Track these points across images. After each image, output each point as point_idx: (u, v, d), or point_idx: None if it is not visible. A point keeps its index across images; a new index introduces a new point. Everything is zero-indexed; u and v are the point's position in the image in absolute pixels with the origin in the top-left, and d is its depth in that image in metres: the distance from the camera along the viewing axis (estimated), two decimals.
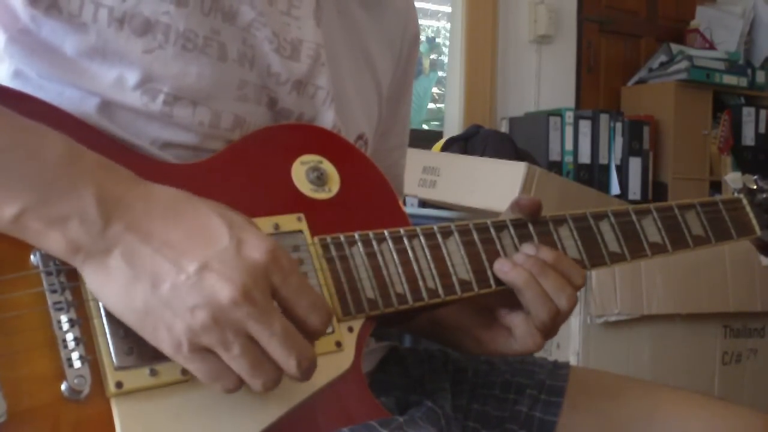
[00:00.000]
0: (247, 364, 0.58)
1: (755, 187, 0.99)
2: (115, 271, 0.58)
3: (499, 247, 0.80)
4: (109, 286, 0.58)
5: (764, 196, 0.99)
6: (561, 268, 0.79)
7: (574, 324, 1.91)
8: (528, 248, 0.80)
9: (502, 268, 0.78)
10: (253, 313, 0.58)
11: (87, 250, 0.58)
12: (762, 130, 3.83)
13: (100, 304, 0.61)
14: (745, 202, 0.98)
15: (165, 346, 0.58)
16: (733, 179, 1.01)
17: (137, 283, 0.58)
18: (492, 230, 0.80)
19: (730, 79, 3.73)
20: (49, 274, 0.60)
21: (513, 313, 0.79)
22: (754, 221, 0.98)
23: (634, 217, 0.87)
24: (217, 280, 0.57)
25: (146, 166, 0.64)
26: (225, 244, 0.59)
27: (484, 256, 0.79)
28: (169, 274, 0.58)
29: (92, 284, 0.59)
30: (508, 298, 0.79)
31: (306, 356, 0.60)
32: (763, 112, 3.82)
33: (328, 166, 0.77)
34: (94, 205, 0.58)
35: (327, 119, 0.80)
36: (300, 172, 0.75)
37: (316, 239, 0.72)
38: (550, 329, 0.79)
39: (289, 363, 0.59)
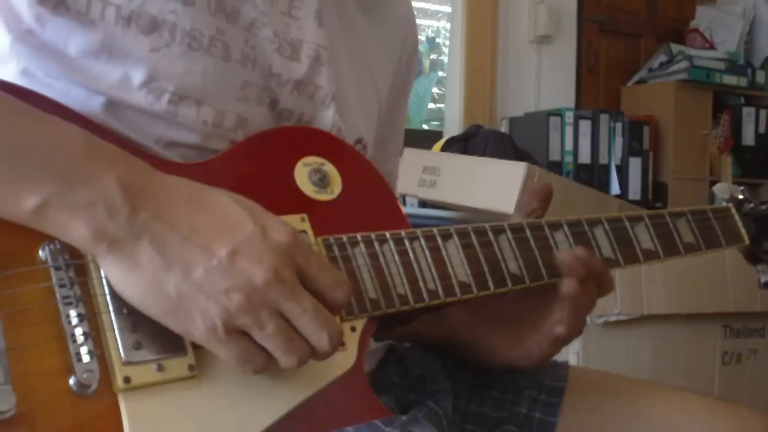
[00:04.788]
0: (281, 341, 0.61)
1: (742, 197, 1.01)
2: (144, 259, 0.59)
3: (496, 250, 0.81)
4: (136, 274, 0.59)
5: (751, 206, 1.01)
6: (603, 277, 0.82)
7: None
8: (581, 251, 0.82)
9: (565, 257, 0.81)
10: (285, 292, 0.60)
11: (112, 238, 0.58)
12: (762, 130, 3.83)
13: (108, 299, 0.61)
14: (733, 211, 1.00)
15: (198, 331, 0.60)
16: (721, 189, 1.03)
17: (169, 270, 0.59)
18: (490, 233, 0.81)
19: (730, 79, 3.74)
20: (57, 268, 0.61)
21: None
22: (742, 230, 0.99)
23: (627, 224, 0.89)
24: (249, 263, 0.60)
25: (152, 165, 0.64)
26: (251, 230, 0.61)
27: (482, 259, 0.79)
28: (201, 260, 0.59)
29: (115, 273, 0.60)
30: (529, 301, 0.83)
31: (335, 330, 0.63)
32: (763, 112, 3.83)
33: (330, 168, 0.77)
34: (118, 191, 0.59)
35: (327, 119, 0.81)
36: (303, 174, 0.76)
37: (319, 240, 0.73)
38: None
39: (321, 338, 0.62)
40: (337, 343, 0.63)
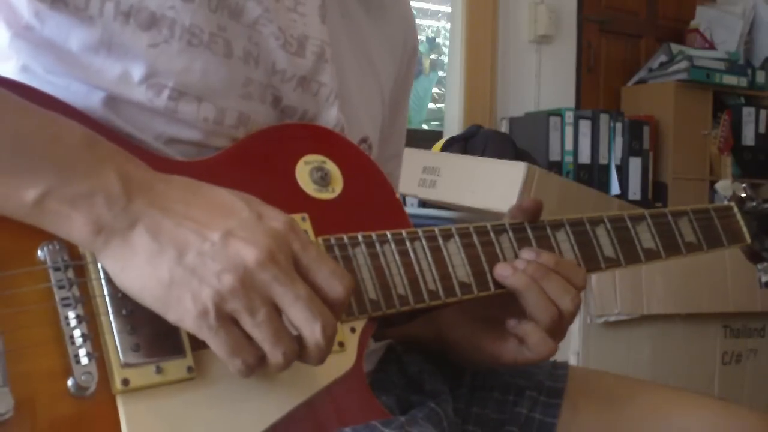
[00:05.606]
0: (270, 331, 0.59)
1: (744, 195, 1.00)
2: (139, 245, 0.59)
3: (498, 250, 0.80)
4: (132, 262, 0.59)
5: (753, 204, 1.00)
6: (562, 271, 0.79)
7: (574, 324, 1.91)
8: (528, 253, 0.81)
9: (503, 273, 0.79)
10: (279, 275, 0.59)
11: (110, 229, 0.58)
12: (762, 130, 3.83)
13: (107, 301, 0.61)
14: (735, 210, 0.99)
15: (189, 316, 0.59)
16: (723, 187, 1.02)
17: (162, 255, 0.59)
18: (491, 233, 0.81)
19: (730, 79, 3.73)
20: (56, 269, 0.61)
21: (523, 321, 0.79)
22: (744, 229, 0.99)
23: (629, 223, 0.88)
24: (243, 245, 0.59)
25: (151, 163, 0.64)
26: (246, 215, 0.61)
27: (483, 259, 0.79)
28: (194, 244, 0.59)
29: (113, 264, 0.60)
30: (514, 305, 0.80)
31: (329, 323, 0.61)
32: (763, 112, 3.82)
33: (331, 167, 0.77)
34: (117, 183, 0.59)
35: (330, 116, 0.80)
36: (304, 172, 0.76)
37: (319, 239, 0.72)
38: (556, 332, 0.79)
39: (314, 328, 0.60)
40: (331, 337, 0.61)
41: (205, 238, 0.59)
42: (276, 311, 0.60)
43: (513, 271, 0.78)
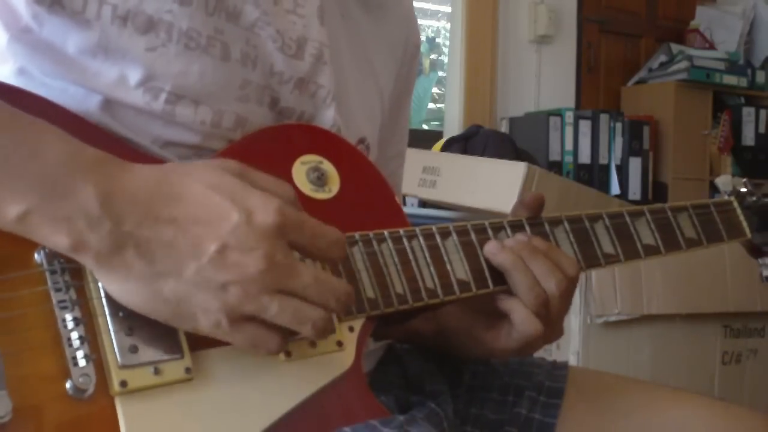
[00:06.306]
0: (289, 316, 0.61)
1: (745, 190, 1.01)
2: (135, 269, 0.58)
3: None
4: (132, 284, 0.59)
5: (753, 198, 1.00)
6: (551, 254, 0.80)
7: (574, 324, 1.91)
8: (521, 235, 0.81)
9: (491, 250, 0.79)
10: (281, 275, 0.60)
11: (96, 250, 0.58)
12: (762, 130, 3.83)
13: (104, 302, 0.61)
14: (735, 204, 0.99)
15: (204, 328, 0.60)
16: (724, 182, 1.02)
17: (160, 277, 0.59)
18: (489, 231, 0.81)
19: (730, 79, 3.73)
20: (53, 272, 0.60)
21: (511, 298, 0.79)
22: (744, 224, 0.99)
23: (628, 219, 0.88)
24: (240, 255, 0.59)
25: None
26: (235, 220, 0.60)
27: (481, 257, 0.79)
28: (192, 260, 0.59)
29: (110, 285, 0.60)
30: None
31: (343, 292, 0.63)
32: (763, 112, 3.83)
33: (328, 167, 0.77)
34: (96, 203, 0.58)
35: (327, 118, 0.80)
36: (300, 173, 0.76)
37: None
38: (546, 318, 0.79)
39: (329, 304, 0.62)
40: (347, 302, 0.63)
41: (202, 252, 0.59)
42: (288, 296, 0.61)
43: (501, 248, 0.79)
